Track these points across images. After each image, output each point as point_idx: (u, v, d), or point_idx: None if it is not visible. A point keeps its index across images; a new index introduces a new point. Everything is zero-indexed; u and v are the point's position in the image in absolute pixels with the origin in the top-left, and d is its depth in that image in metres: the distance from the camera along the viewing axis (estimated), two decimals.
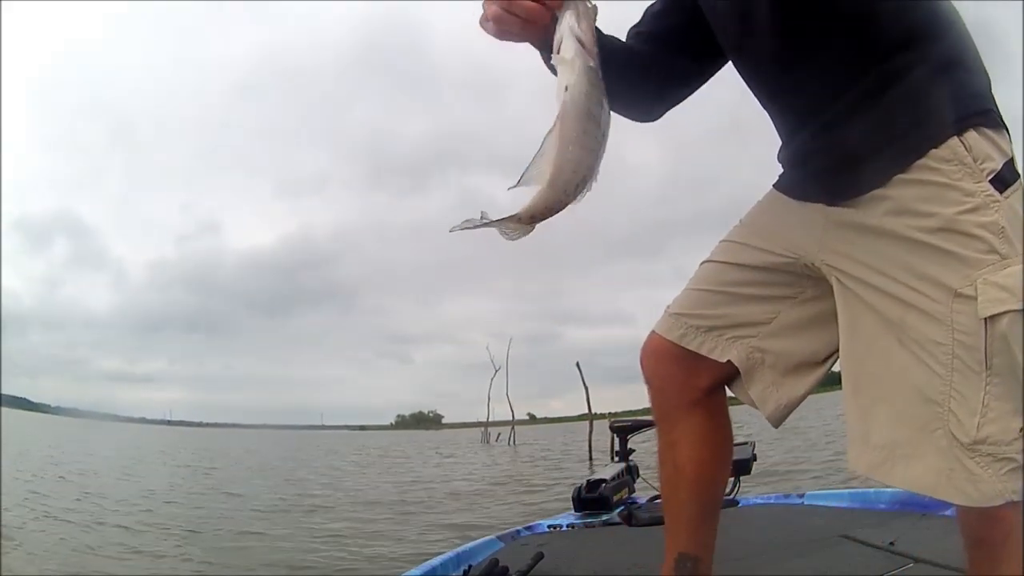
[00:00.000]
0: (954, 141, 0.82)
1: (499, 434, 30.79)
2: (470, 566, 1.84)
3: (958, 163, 0.82)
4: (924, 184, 0.83)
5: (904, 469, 0.85)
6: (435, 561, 1.95)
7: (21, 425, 37.94)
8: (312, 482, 10.92)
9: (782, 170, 1.08)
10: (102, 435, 35.76)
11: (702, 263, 1.16)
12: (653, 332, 1.15)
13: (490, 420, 31.93)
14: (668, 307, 1.15)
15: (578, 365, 21.86)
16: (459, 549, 2.07)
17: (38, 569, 4.24)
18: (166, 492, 8.81)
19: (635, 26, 1.11)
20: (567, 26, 0.84)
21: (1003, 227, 0.81)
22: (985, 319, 0.79)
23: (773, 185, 1.10)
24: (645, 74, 1.06)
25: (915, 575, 1.53)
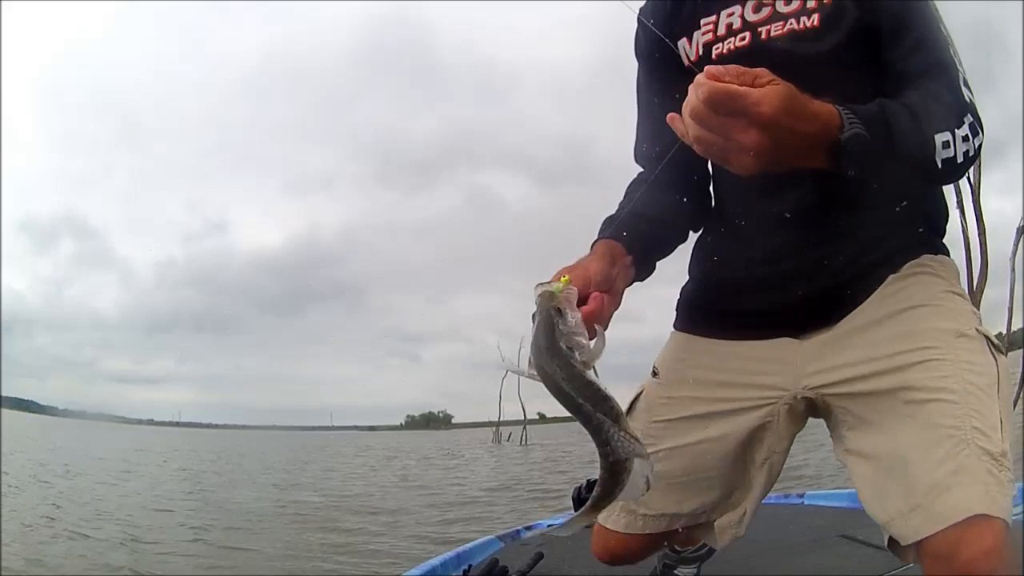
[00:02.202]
0: (941, 256, 0.99)
1: (510, 434, 30.74)
2: (470, 566, 1.85)
3: (939, 264, 0.98)
4: (912, 276, 0.96)
5: (946, 501, 0.80)
6: (435, 561, 1.96)
7: (27, 429, 37.51)
8: (312, 488, 10.58)
9: (719, 304, 1.07)
10: (110, 438, 35.71)
11: (665, 450, 1.04)
12: (611, 531, 1.12)
13: (501, 420, 31.87)
14: (624, 504, 1.06)
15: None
16: (459, 549, 2.08)
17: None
18: (155, 497, 8.62)
19: (641, 176, 1.08)
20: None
21: (975, 311, 0.96)
22: (995, 356, 0.89)
23: (704, 335, 1.08)
24: (680, 220, 1.05)
25: (915, 575, 1.53)
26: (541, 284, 0.74)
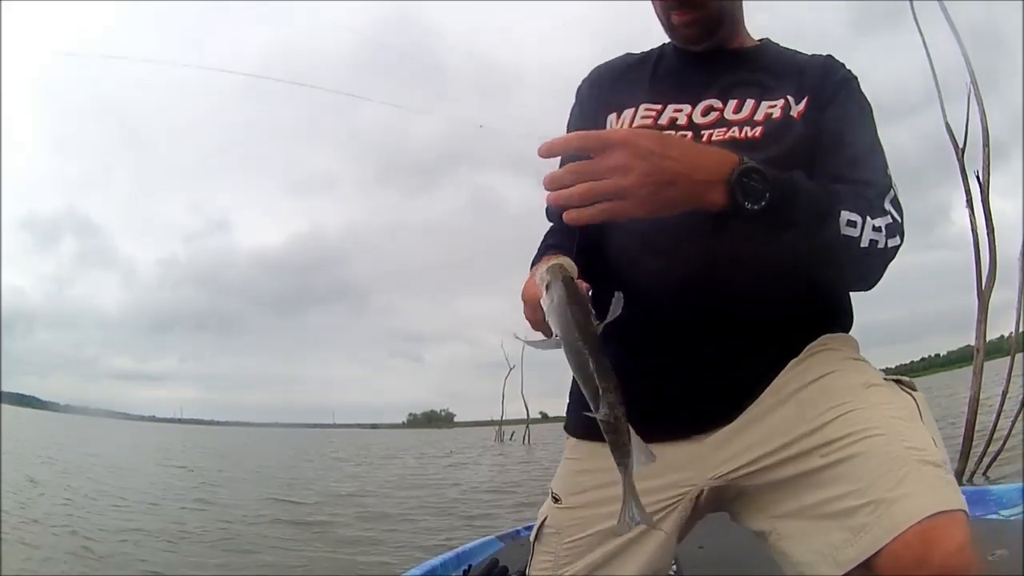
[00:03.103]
0: (839, 333, 1.02)
1: (512, 433, 30.74)
2: (470, 566, 1.85)
3: (836, 340, 1.00)
4: (810, 356, 0.97)
5: (901, 509, 0.76)
6: (435, 561, 1.95)
7: (25, 423, 37.24)
8: (307, 489, 10.08)
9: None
10: (108, 434, 35.57)
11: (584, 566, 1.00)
12: None
13: (503, 419, 31.84)
14: None
15: None
16: (459, 549, 2.07)
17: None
18: (142, 494, 8.44)
19: (554, 227, 1.12)
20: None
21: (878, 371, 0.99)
22: (910, 394, 0.93)
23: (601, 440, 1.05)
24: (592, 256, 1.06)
25: None
26: (544, 264, 0.79)
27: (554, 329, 0.75)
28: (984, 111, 4.19)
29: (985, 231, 3.62)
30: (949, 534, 0.73)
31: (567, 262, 0.78)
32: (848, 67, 1.06)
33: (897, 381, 0.96)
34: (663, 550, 0.97)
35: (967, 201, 3.55)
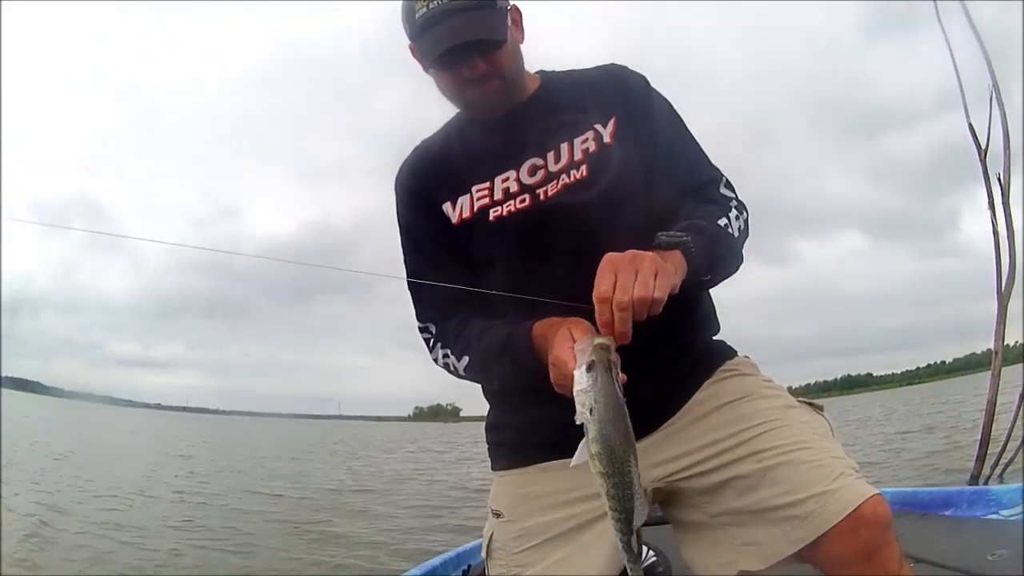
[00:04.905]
0: (737, 358, 1.16)
1: None
2: (469, 566, 1.83)
3: (743, 364, 1.14)
4: (725, 379, 1.10)
5: (842, 496, 0.94)
6: (435, 561, 1.96)
7: (25, 409, 37.07)
8: (310, 481, 10.12)
9: (543, 434, 1.06)
10: (111, 421, 35.60)
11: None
12: None
13: None
14: None
15: None
16: (459, 549, 2.07)
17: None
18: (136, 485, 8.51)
19: (464, 316, 1.11)
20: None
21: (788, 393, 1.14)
22: (820, 415, 1.08)
23: (531, 463, 1.11)
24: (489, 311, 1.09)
25: (915, 575, 1.49)
26: (593, 340, 0.80)
27: (588, 428, 0.79)
28: (1005, 112, 4.10)
29: (1005, 232, 3.55)
30: (880, 504, 0.93)
31: (610, 344, 0.80)
32: (633, 69, 1.14)
33: (809, 404, 1.10)
34: (612, 552, 1.00)
35: (989, 203, 3.45)
